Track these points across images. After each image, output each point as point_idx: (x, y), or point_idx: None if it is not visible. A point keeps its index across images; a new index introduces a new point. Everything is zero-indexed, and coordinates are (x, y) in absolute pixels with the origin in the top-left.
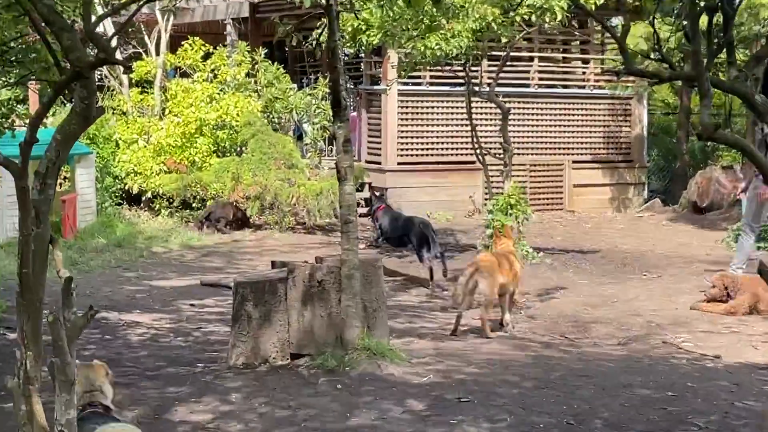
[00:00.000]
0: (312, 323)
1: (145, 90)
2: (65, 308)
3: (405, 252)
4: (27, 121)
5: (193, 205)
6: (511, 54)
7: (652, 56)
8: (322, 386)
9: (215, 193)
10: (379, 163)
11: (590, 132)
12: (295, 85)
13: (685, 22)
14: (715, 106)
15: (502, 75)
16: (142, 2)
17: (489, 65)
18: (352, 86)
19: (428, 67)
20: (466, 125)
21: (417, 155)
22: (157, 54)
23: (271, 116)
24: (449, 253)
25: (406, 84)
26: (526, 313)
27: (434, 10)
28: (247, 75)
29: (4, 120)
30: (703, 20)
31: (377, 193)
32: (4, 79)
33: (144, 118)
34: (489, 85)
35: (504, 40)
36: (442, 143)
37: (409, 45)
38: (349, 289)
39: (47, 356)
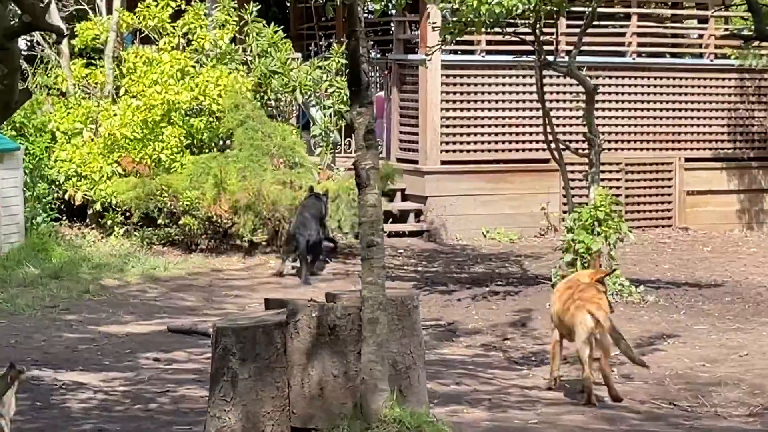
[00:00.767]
0: (321, 386)
1: (93, 62)
2: None
3: (451, 286)
4: None
5: (159, 220)
6: (600, 10)
7: None
8: None
9: (189, 203)
10: (416, 163)
11: (710, 118)
12: (299, 55)
13: None
14: None
15: (586, 39)
16: None
17: (568, 26)
18: (378, 56)
19: (483, 29)
20: (537, 109)
21: (468, 152)
22: (109, 12)
23: (266, 98)
24: (511, 287)
25: (453, 53)
26: (619, 372)
27: None
28: (233, 41)
29: None
30: None
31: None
32: None
33: (91, 100)
34: (568, 53)
35: None
36: (503, 135)
37: None
38: (373, 338)
39: None
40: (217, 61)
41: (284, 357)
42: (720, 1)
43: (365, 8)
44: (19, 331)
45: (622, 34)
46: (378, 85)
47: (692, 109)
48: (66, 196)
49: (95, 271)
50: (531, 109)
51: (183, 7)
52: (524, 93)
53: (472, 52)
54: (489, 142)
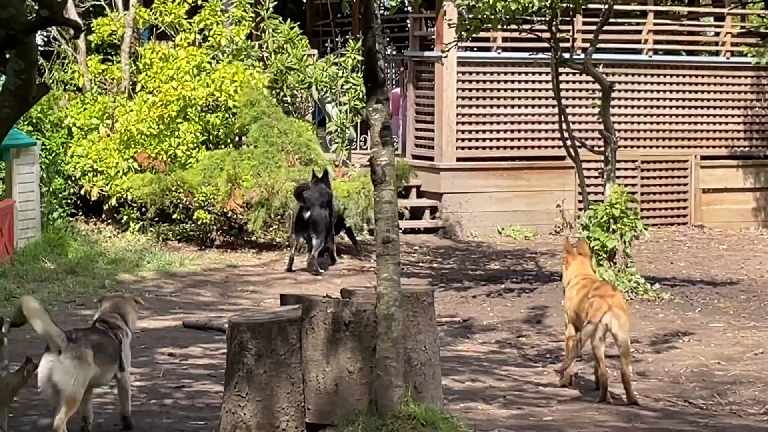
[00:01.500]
0: (337, 382)
1: (109, 58)
2: None
3: (466, 283)
4: None
5: (174, 216)
6: (616, 7)
7: None
8: None
9: (204, 199)
10: (431, 159)
11: (726, 116)
12: (315, 51)
13: None
14: None
15: (602, 37)
16: None
17: (584, 23)
18: (394, 53)
19: (500, 26)
20: (552, 107)
21: (483, 149)
22: (126, 8)
23: (281, 94)
24: (526, 284)
25: (469, 50)
26: (634, 369)
27: None
28: (249, 37)
29: None
30: None
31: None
32: None
33: (107, 96)
34: (584, 50)
35: None
36: (519, 132)
37: None
38: (388, 334)
39: None
40: (233, 57)
41: (299, 353)
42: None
43: (381, 5)
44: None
45: (639, 32)
46: (393, 82)
47: (708, 107)
48: (82, 192)
49: (111, 266)
50: (546, 107)
51: (199, 3)
52: (540, 90)
53: (488, 49)
54: (504, 139)
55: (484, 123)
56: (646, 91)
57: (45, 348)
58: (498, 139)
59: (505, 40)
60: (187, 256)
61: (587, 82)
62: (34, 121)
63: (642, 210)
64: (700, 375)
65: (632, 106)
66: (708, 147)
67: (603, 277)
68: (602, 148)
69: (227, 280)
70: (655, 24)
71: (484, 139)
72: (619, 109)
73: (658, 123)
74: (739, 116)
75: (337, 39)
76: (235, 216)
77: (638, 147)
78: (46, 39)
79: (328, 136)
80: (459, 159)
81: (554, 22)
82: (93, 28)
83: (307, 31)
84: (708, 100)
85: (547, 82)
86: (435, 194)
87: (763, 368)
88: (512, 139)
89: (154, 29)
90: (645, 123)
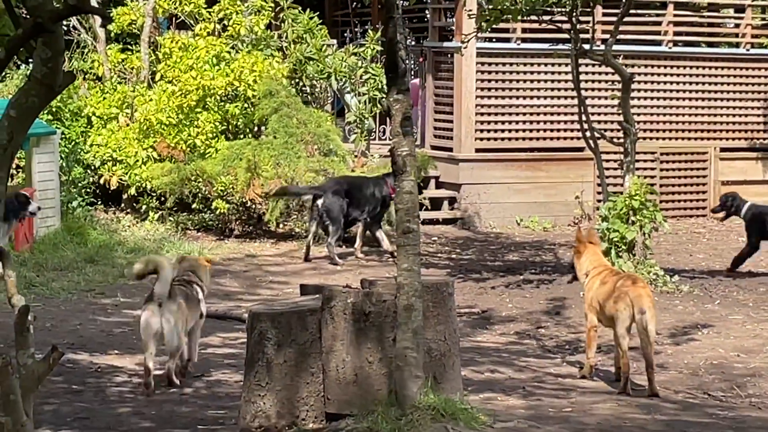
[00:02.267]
0: (356, 372)
1: (129, 47)
2: (19, 349)
3: (485, 274)
4: None
5: (194, 205)
6: None
7: None
8: None
9: (223, 189)
10: (450, 150)
11: (745, 108)
12: (334, 41)
13: None
14: None
15: (622, 28)
16: None
17: (604, 14)
18: (413, 43)
19: (520, 17)
20: (572, 98)
21: (503, 140)
22: None
23: (301, 84)
24: (545, 276)
25: (489, 40)
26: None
27: None
28: (269, 27)
29: None
30: None
31: None
32: None
33: (126, 85)
34: (604, 42)
35: None
36: (538, 123)
37: None
38: (408, 324)
39: None
40: (253, 47)
41: (319, 343)
42: None
43: None
44: (54, 314)
45: (659, 23)
46: (413, 73)
47: (728, 99)
48: (101, 181)
49: (130, 255)
50: (566, 98)
51: None
52: (560, 81)
53: (507, 40)
54: (524, 131)
55: (503, 114)
56: (665, 82)
57: (145, 300)
58: (517, 130)
59: (524, 31)
60: (206, 246)
61: (607, 73)
62: (53, 110)
63: (661, 202)
64: (719, 367)
65: (652, 98)
66: (727, 139)
67: (623, 269)
68: (621, 140)
69: (246, 270)
70: (675, 15)
71: (503, 130)
72: (639, 101)
73: (677, 115)
74: (758, 108)
75: (356, 29)
76: (254, 206)
77: (657, 139)
78: (66, 28)
79: (347, 127)
80: (478, 150)
81: (574, 13)
82: (113, 18)
83: (326, 21)
84: (728, 92)
85: (566, 73)
86: (454, 185)
87: None
88: (531, 131)
89: (174, 18)
90: (664, 115)
